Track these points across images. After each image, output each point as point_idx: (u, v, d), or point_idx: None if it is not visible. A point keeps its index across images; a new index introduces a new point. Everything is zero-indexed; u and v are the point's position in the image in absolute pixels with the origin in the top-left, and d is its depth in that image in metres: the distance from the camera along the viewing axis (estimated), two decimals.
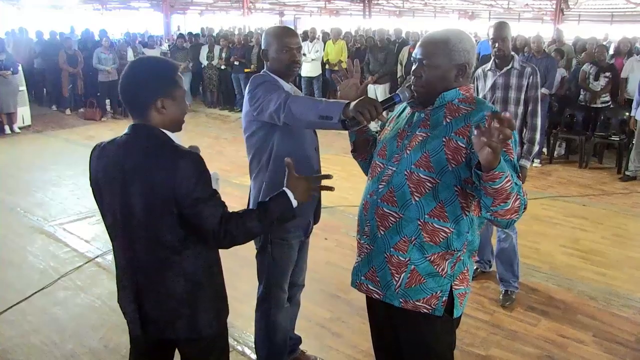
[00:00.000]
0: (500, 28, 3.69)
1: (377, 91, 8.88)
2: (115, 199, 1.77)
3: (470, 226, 1.86)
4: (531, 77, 3.62)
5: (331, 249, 4.53)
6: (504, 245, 3.74)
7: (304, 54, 9.82)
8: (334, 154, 7.12)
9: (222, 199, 1.78)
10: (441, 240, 1.83)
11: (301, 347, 3.09)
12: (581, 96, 7.64)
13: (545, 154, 7.68)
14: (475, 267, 4.06)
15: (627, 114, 7.09)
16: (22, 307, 3.63)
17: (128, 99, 1.78)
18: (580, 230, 5.09)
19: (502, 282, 3.79)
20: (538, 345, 3.25)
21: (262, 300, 2.72)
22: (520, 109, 3.66)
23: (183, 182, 1.67)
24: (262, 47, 2.58)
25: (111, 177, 1.77)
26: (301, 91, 10.01)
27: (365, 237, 1.98)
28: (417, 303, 1.87)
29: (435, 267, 1.85)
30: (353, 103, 1.94)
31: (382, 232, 1.90)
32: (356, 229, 2.07)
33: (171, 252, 1.77)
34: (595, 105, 7.46)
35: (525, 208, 1.69)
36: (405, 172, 1.85)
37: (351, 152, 2.27)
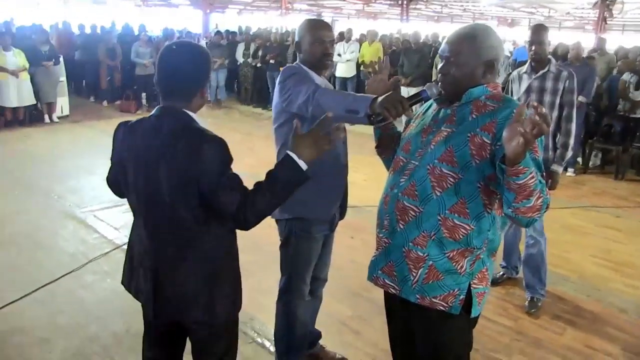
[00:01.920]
0: (538, 31, 3.63)
1: (410, 94, 8.80)
2: (140, 177, 1.79)
3: (491, 224, 1.83)
4: (567, 81, 3.55)
5: (356, 247, 4.51)
6: (532, 251, 3.67)
7: (339, 54, 9.83)
8: (365, 155, 7.07)
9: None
10: (461, 237, 1.80)
11: (321, 342, 3.09)
12: (620, 106, 7.45)
13: (580, 163, 7.52)
14: (502, 273, 4.02)
15: None
16: (51, 288, 3.72)
17: (172, 85, 1.79)
18: (612, 242, 4.96)
19: (528, 288, 3.71)
20: (563, 355, 3.18)
21: (284, 291, 2.72)
22: (555, 113, 3.59)
23: (206, 166, 1.68)
24: (296, 40, 2.59)
25: (137, 156, 1.80)
26: None
27: (384, 230, 1.96)
28: (434, 300, 1.84)
29: (454, 264, 1.82)
30: (380, 98, 1.93)
31: (402, 226, 1.88)
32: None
33: (193, 232, 1.79)
34: (634, 116, 7.27)
35: (547, 207, 1.66)
36: (428, 167, 1.83)
37: (375, 148, 2.26)
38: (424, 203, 1.82)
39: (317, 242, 2.66)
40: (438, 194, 1.80)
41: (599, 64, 8.26)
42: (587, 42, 12.06)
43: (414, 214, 1.85)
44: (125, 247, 4.29)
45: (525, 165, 1.52)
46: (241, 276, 1.98)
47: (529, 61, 3.70)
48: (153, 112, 1.83)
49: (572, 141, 3.58)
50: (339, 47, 9.98)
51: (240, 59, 11.99)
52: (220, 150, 1.72)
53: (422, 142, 1.90)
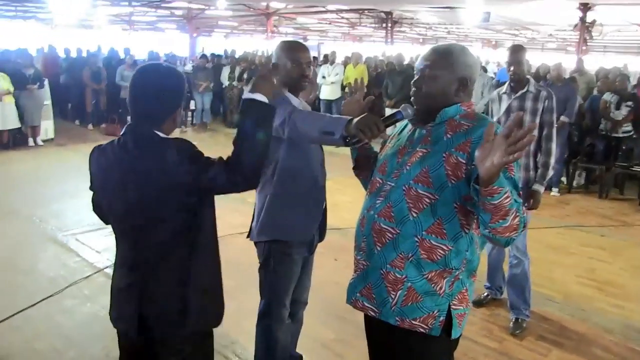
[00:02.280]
0: (516, 51, 3.67)
1: None
2: (117, 197, 1.79)
3: (469, 244, 1.81)
4: (546, 101, 3.57)
5: (340, 270, 4.46)
6: (515, 271, 3.66)
7: (324, 77, 9.89)
8: (348, 177, 7.08)
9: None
10: (439, 257, 1.78)
11: None
12: (602, 125, 7.54)
13: (564, 183, 7.57)
14: (486, 294, 4.00)
15: None
16: (29, 313, 3.65)
17: (143, 109, 1.78)
18: (597, 261, 4.97)
19: (512, 309, 3.69)
20: None
21: (263, 315, 2.68)
22: (535, 133, 3.61)
23: (176, 167, 1.68)
24: (272, 61, 2.59)
25: (109, 177, 1.80)
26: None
27: (361, 252, 1.94)
28: (414, 322, 1.81)
29: (432, 285, 1.80)
30: (355, 120, 1.92)
31: (379, 248, 1.85)
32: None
33: (173, 247, 1.78)
34: (616, 135, 7.37)
35: (525, 226, 1.64)
36: (404, 187, 1.81)
37: (353, 169, 2.25)
38: (400, 224, 1.81)
39: (296, 264, 2.64)
40: (414, 215, 1.78)
41: (580, 84, 8.39)
42: (569, 63, 12.25)
43: (390, 235, 1.83)
44: (107, 270, 4.28)
45: (500, 185, 1.51)
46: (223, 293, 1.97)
47: (508, 81, 3.74)
48: (122, 130, 1.83)
49: (552, 160, 3.59)
50: (324, 70, 10.06)
51: (225, 81, 12.03)
52: (182, 147, 1.73)
53: (398, 163, 1.89)
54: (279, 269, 2.58)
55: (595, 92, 8.41)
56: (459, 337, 1.91)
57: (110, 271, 4.36)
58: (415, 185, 1.79)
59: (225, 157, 1.76)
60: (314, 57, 12.09)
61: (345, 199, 6.33)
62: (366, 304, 1.91)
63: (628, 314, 3.94)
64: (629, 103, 7.31)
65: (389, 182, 1.88)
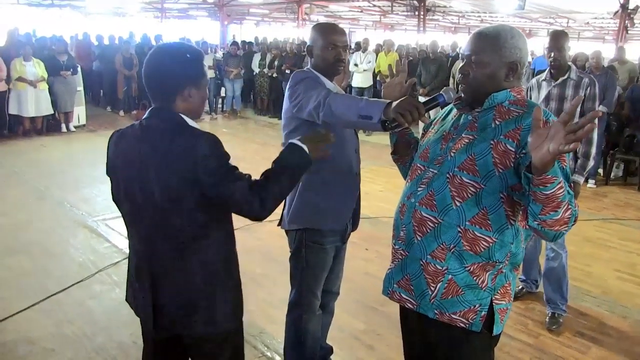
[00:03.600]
0: (557, 37, 3.52)
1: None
2: (134, 184, 1.72)
3: (515, 237, 1.71)
4: (589, 89, 3.43)
5: (371, 260, 4.40)
6: (552, 265, 3.53)
7: (356, 65, 9.77)
8: (380, 165, 7.01)
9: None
10: (482, 249, 1.69)
11: (333, 357, 2.98)
12: None
13: (601, 175, 7.33)
14: (520, 287, 3.88)
15: None
16: (59, 298, 3.67)
17: (154, 85, 1.73)
18: (637, 255, 4.78)
19: (549, 303, 3.57)
20: None
21: (294, 305, 2.62)
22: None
23: (203, 162, 1.61)
24: (308, 43, 2.52)
25: (129, 162, 1.73)
26: None
27: (400, 242, 1.85)
28: (454, 316, 1.72)
29: (474, 278, 1.71)
30: (395, 103, 1.81)
31: (419, 238, 1.77)
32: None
33: (190, 239, 1.71)
34: None
35: (575, 220, 1.54)
36: (448, 175, 1.72)
37: (391, 154, 2.17)
38: (442, 214, 1.72)
39: (328, 253, 2.56)
40: (458, 204, 1.69)
41: (620, 73, 8.09)
42: (607, 52, 11.88)
43: (432, 225, 1.74)
44: None
45: (554, 175, 1.42)
46: (242, 285, 1.90)
47: (548, 68, 3.59)
48: (145, 114, 1.76)
49: (594, 150, 3.44)
50: (356, 57, 9.92)
51: (256, 69, 11.99)
52: (215, 145, 1.65)
53: (442, 149, 1.79)
54: (310, 258, 2.51)
55: (637, 81, 8.12)
56: (500, 334, 1.82)
57: None
58: (460, 173, 1.70)
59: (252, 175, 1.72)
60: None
61: (377, 187, 6.25)
62: (404, 296, 1.83)
63: None
64: None
65: (431, 169, 1.79)
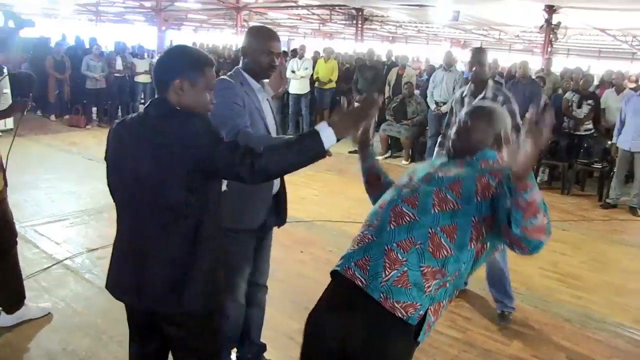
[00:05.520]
0: (478, 53, 3.72)
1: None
2: (128, 165, 1.85)
3: (468, 260, 1.87)
4: (504, 106, 3.54)
5: (305, 262, 4.46)
6: (492, 269, 3.68)
7: (293, 71, 9.83)
8: (316, 171, 7.09)
9: None
10: (441, 256, 1.82)
11: (267, 355, 3.00)
12: (565, 123, 7.69)
13: None
14: None
15: (609, 142, 7.14)
16: None
17: (154, 75, 1.94)
18: (559, 254, 5.05)
19: (497, 303, 3.73)
20: None
21: None
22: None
23: (195, 134, 1.76)
24: (243, 44, 2.55)
25: (126, 145, 1.87)
26: (289, 108, 10.09)
27: (370, 228, 1.95)
28: (396, 304, 1.80)
29: (424, 280, 1.81)
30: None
31: (392, 227, 1.88)
32: (357, 231, 2.02)
33: (177, 216, 1.81)
34: (578, 133, 7.53)
35: (550, 233, 1.74)
36: (434, 189, 1.90)
37: (364, 183, 2.36)
38: (421, 214, 1.86)
39: (246, 244, 2.60)
40: (436, 211, 1.85)
41: (546, 84, 8.54)
42: (535, 64, 12.50)
43: (408, 219, 1.87)
44: (67, 262, 4.17)
45: (530, 180, 1.63)
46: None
47: (469, 84, 3.76)
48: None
49: None
50: (293, 64, 9.98)
51: None
52: (208, 122, 1.81)
53: (430, 172, 2.00)
54: (230, 248, 2.55)
55: (559, 91, 8.59)
56: (417, 345, 1.89)
57: (69, 263, 4.25)
58: (446, 190, 1.88)
59: None
60: (284, 52, 12.02)
61: (312, 192, 6.34)
62: (357, 274, 1.89)
63: (586, 304, 4.03)
64: (590, 102, 7.47)
65: (417, 182, 1.98)
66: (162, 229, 1.83)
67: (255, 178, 1.78)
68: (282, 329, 3.37)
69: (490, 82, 3.69)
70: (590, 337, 3.56)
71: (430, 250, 1.82)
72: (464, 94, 3.79)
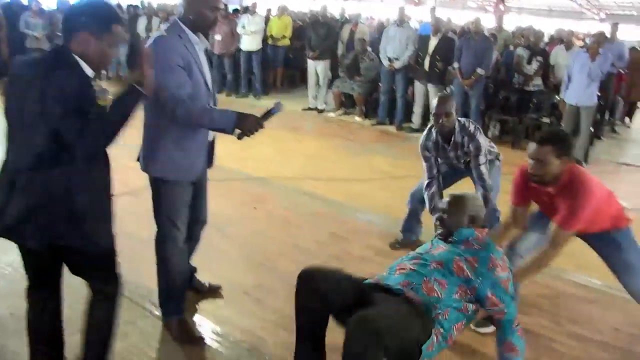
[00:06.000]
0: (443, 103, 3.52)
1: (318, 68, 8.78)
2: (17, 100, 1.90)
3: (452, 304, 2.28)
4: (470, 145, 3.57)
5: (259, 218, 4.43)
6: None
7: (243, 27, 9.58)
8: (270, 128, 7.00)
9: None
10: (433, 295, 2.31)
11: (221, 310, 3.01)
12: (515, 79, 7.81)
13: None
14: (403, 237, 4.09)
15: (557, 97, 7.30)
16: None
17: (64, 24, 1.95)
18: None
19: None
20: None
21: (158, 241, 2.69)
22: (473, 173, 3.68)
23: (62, 93, 1.79)
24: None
25: (17, 80, 1.92)
26: (240, 65, 9.86)
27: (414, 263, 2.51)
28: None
29: (455, 303, 2.32)
30: (240, 123, 2.41)
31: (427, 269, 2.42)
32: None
33: (49, 156, 1.87)
34: (528, 89, 7.67)
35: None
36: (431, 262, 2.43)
37: None
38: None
39: (185, 187, 2.62)
40: (433, 267, 2.42)
41: (498, 40, 8.61)
42: (488, 22, 12.59)
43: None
44: None
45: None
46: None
47: (435, 132, 3.67)
48: None
49: (493, 194, 3.72)
50: (244, 19, 9.71)
51: (142, 33, 11.44)
52: (81, 85, 1.85)
53: (419, 252, 2.58)
54: (166, 191, 2.58)
55: (511, 48, 8.69)
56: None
57: None
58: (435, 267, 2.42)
59: None
60: (236, 9, 11.70)
61: (265, 149, 6.28)
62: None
63: None
64: (539, 58, 7.59)
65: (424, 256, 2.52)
66: (38, 166, 1.89)
67: (87, 149, 1.87)
68: (236, 284, 3.35)
69: (457, 127, 3.58)
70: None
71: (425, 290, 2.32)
72: (429, 145, 3.71)
